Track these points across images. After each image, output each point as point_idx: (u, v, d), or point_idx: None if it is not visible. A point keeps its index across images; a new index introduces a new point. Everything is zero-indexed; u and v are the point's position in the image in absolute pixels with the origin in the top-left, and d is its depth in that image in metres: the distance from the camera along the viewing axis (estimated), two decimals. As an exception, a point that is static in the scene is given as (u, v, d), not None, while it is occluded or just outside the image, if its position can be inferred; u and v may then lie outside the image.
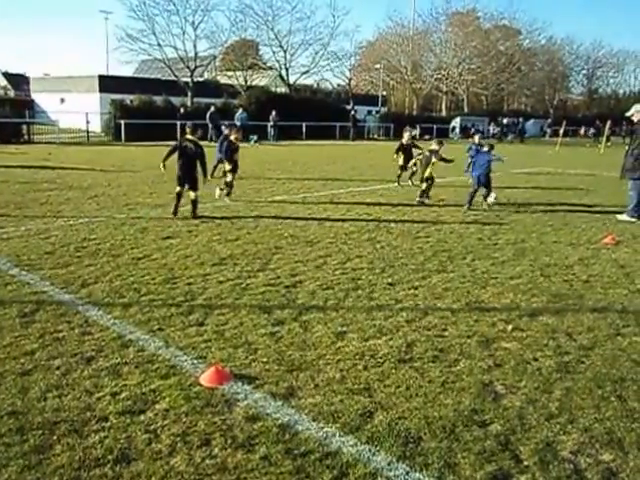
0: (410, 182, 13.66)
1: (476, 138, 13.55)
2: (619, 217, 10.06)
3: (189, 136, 9.03)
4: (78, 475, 2.67)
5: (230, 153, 10.60)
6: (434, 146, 11.46)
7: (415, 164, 12.62)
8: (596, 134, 42.68)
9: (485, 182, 10.53)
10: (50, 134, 27.76)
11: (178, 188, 8.90)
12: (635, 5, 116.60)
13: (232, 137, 10.76)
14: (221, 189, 10.71)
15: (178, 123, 28.87)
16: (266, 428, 3.09)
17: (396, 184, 13.82)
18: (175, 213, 8.94)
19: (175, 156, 8.86)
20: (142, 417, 3.16)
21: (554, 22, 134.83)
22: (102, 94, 37.41)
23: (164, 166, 8.84)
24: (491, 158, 10.53)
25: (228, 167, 10.62)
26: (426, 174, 11.19)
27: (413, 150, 13.73)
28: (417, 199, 11.17)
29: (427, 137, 44.21)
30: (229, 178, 10.62)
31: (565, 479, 2.76)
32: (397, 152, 13.97)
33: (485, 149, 10.81)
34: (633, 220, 9.89)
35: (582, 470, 2.83)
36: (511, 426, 3.18)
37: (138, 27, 39.64)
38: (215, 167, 13.08)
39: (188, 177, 8.88)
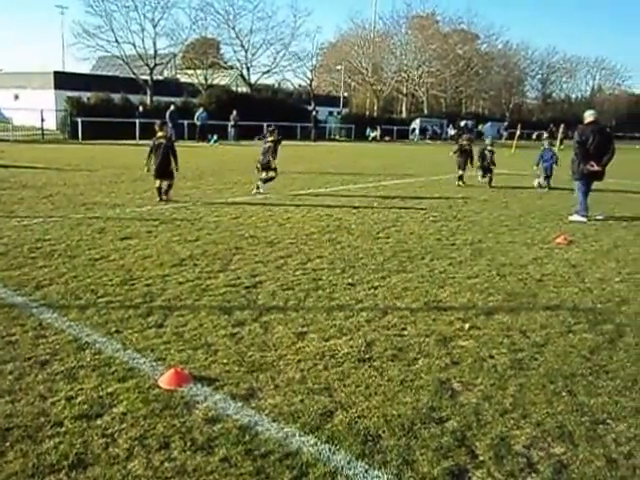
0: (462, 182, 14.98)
1: (545, 142, 16.29)
2: (570, 218, 10.39)
3: (160, 133, 10.47)
4: (31, 482, 2.60)
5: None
6: (546, 143, 15.74)
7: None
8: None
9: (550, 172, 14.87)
10: (3, 132, 26.86)
11: (157, 182, 10.40)
12: (588, 13, 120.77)
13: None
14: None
15: (137, 122, 28.40)
16: (226, 429, 3.08)
17: (459, 183, 14.94)
18: (161, 199, 10.41)
19: (152, 154, 10.25)
20: (99, 421, 3.10)
21: (510, 27, 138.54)
22: (58, 91, 36.43)
23: (148, 169, 10.42)
24: (554, 154, 15.02)
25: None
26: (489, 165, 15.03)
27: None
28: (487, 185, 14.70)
29: (387, 138, 44.80)
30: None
31: (519, 473, 2.85)
32: (455, 153, 15.51)
33: (549, 148, 15.25)
34: (584, 220, 10.19)
35: (535, 463, 2.92)
36: (467, 422, 3.26)
37: (95, 23, 38.45)
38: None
39: (164, 169, 10.25)
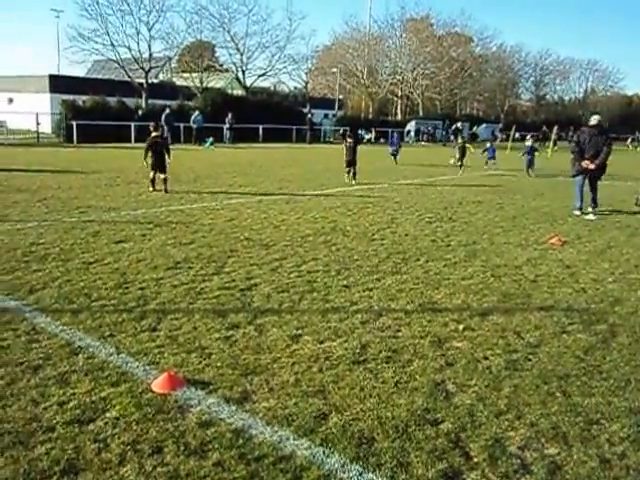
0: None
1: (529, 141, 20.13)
2: (587, 217, 10.74)
3: (154, 133, 12.12)
4: (23, 488, 2.58)
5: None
6: (529, 142, 19.88)
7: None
8: (543, 139, 44.08)
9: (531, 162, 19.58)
10: (-3, 135, 26.80)
11: (152, 174, 12.05)
12: (581, 15, 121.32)
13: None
14: None
15: (132, 125, 28.37)
16: (220, 433, 3.06)
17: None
18: (154, 188, 12.00)
19: (149, 150, 11.89)
20: (91, 426, 3.08)
21: (504, 30, 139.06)
22: (53, 94, 36.35)
23: (147, 163, 12.01)
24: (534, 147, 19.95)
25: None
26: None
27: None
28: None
29: (382, 140, 44.85)
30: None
31: (513, 474, 2.84)
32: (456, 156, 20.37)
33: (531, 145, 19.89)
34: (578, 213, 10.99)
35: (529, 464, 2.92)
36: (462, 424, 3.25)
37: (91, 26, 38.44)
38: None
39: (160, 164, 11.94)
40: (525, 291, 5.87)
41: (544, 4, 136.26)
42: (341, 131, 16.86)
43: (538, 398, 3.58)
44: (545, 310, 5.27)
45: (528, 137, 20.88)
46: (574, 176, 11.39)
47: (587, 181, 11.15)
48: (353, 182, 14.90)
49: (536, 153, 20.16)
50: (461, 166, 19.69)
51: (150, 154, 11.92)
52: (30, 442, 2.91)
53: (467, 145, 20.99)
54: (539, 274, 6.55)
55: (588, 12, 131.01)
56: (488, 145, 22.91)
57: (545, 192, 14.78)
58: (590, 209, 11.08)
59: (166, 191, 11.81)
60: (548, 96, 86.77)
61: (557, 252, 7.78)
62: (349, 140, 15.46)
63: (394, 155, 22.53)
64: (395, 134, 26.69)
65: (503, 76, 73.03)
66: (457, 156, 20.28)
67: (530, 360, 4.15)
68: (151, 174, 12.05)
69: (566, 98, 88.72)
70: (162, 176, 11.92)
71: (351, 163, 15.18)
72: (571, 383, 3.80)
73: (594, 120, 11.20)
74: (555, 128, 34.23)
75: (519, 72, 78.47)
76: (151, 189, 12.00)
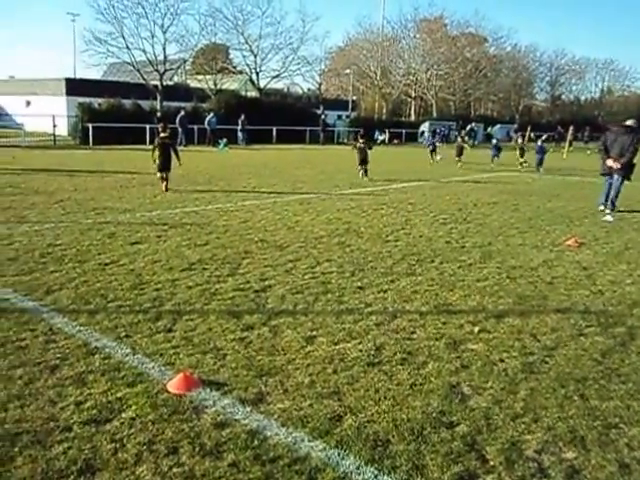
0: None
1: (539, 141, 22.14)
2: (604, 218, 10.68)
3: (162, 134, 12.51)
4: (41, 487, 2.61)
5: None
6: (539, 142, 21.89)
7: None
8: (558, 139, 43.70)
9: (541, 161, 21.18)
10: (15, 137, 27.12)
11: (159, 174, 12.51)
12: (596, 14, 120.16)
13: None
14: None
15: (147, 127, 28.59)
16: (235, 434, 3.07)
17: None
18: (167, 189, 12.32)
19: (156, 150, 12.37)
20: (107, 426, 3.10)
21: (519, 30, 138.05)
22: (69, 97, 36.80)
23: (155, 160, 12.41)
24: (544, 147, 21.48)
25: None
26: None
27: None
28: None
29: (396, 141, 44.75)
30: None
31: (530, 478, 2.82)
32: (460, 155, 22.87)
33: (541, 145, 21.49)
34: (601, 207, 11.33)
35: (546, 468, 2.89)
36: (477, 427, 3.23)
37: (106, 30, 38.77)
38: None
39: (167, 163, 12.38)
40: (541, 293, 5.81)
41: (559, 4, 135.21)
42: (359, 133, 18.51)
43: (555, 401, 3.54)
44: (562, 312, 5.22)
45: (543, 137, 22.21)
46: (603, 175, 11.61)
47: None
48: (365, 178, 16.19)
49: (547, 153, 21.61)
50: (459, 162, 22.50)
51: (158, 154, 12.31)
52: (48, 441, 2.94)
53: (464, 145, 23.78)
54: (555, 276, 6.49)
55: (603, 11, 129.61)
56: (494, 142, 25.52)
57: (561, 193, 14.64)
58: (608, 210, 10.98)
59: (166, 189, 12.29)
60: (564, 96, 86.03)
61: (574, 254, 7.70)
62: (361, 141, 16.74)
63: (432, 152, 24.66)
64: (426, 133, 28.52)
65: (518, 76, 72.50)
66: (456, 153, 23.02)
67: (547, 363, 4.11)
68: (158, 174, 12.53)
69: (582, 98, 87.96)
70: (165, 174, 12.47)
71: (364, 162, 16.47)
72: (589, 386, 3.76)
73: (628, 121, 11.44)
74: (571, 128, 33.89)
75: (534, 72, 77.87)
76: (164, 187, 12.39)
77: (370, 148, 16.84)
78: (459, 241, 8.22)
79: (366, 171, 16.45)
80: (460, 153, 22.73)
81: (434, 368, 3.96)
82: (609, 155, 11.10)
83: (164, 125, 12.74)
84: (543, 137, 22.50)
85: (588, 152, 37.23)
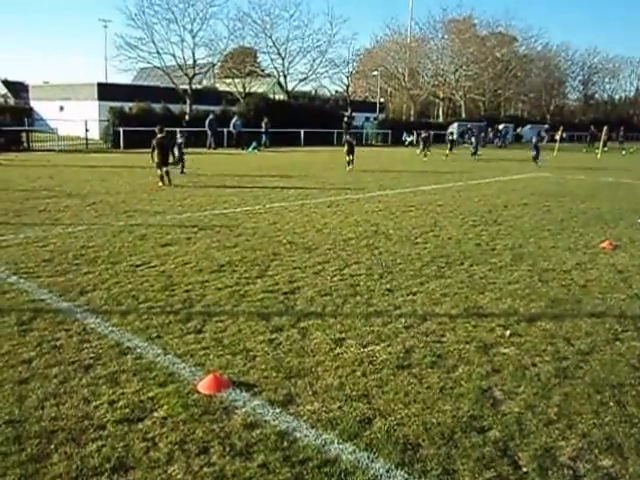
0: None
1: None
2: None
3: (159, 135, 13.87)
4: (76, 484, 2.66)
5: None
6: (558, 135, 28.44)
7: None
8: (591, 139, 42.78)
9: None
10: (49, 142, 27.79)
11: (159, 171, 13.81)
12: (630, 12, 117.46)
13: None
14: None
15: (178, 130, 28.91)
16: (264, 435, 3.08)
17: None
18: (163, 183, 13.70)
19: (155, 149, 13.67)
20: (140, 425, 3.15)
21: (550, 29, 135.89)
22: (101, 102, 37.45)
23: (153, 160, 13.74)
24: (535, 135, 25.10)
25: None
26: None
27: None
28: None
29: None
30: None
31: (564, 485, 2.76)
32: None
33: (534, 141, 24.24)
34: None
35: (581, 476, 2.83)
36: (510, 432, 3.18)
37: (137, 35, 39.54)
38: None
39: (164, 161, 13.75)
40: (575, 296, 5.69)
41: (591, 2, 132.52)
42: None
43: (590, 407, 3.46)
44: (596, 316, 5.10)
45: (543, 132, 22.90)
46: None
47: None
48: (349, 167, 19.06)
49: (539, 145, 24.38)
50: (474, 154, 26.53)
51: (156, 152, 13.61)
52: (82, 439, 3.00)
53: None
54: (589, 279, 6.35)
55: (636, 9, 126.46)
56: (534, 140, 26.34)
57: (594, 194, 14.33)
58: None
59: (170, 182, 13.73)
60: (597, 95, 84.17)
61: (608, 256, 7.52)
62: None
63: (474, 153, 27.20)
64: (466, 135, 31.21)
65: (549, 75, 71.20)
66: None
67: (581, 368, 4.02)
68: (158, 171, 13.78)
69: (616, 97, 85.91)
70: (164, 169, 13.70)
71: (351, 152, 19.35)
72: (625, 392, 3.66)
73: None
74: (605, 128, 33.14)
75: (566, 71, 76.40)
76: (161, 183, 13.60)
77: (355, 140, 19.67)
78: (489, 243, 8.11)
79: (351, 161, 18.76)
80: (452, 146, 27.36)
81: (464, 372, 3.91)
82: None
83: (161, 127, 14.09)
84: (538, 136, 25.18)
85: (623, 152, 36.40)
